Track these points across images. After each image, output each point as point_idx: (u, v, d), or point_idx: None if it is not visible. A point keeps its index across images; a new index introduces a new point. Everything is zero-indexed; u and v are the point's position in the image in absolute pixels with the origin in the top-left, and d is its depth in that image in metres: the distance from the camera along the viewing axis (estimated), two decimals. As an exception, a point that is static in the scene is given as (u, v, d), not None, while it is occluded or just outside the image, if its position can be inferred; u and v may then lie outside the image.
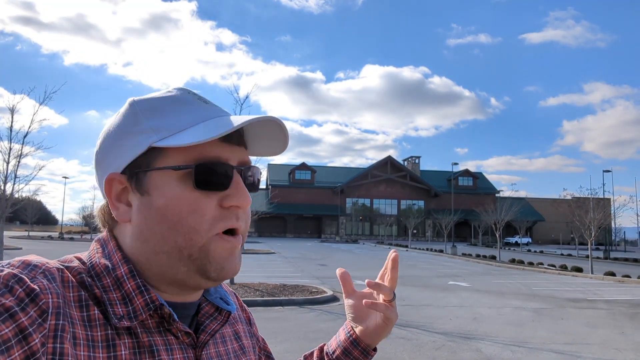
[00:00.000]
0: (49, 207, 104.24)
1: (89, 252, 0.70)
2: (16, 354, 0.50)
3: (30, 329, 0.52)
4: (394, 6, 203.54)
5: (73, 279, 0.62)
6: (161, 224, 0.65)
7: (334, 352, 0.95)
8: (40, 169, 13.24)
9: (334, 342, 0.96)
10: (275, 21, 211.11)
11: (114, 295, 0.63)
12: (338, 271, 0.97)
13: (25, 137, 12.18)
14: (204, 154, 0.65)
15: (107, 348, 0.59)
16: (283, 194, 69.36)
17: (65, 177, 57.07)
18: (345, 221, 72.09)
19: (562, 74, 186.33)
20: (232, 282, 12.94)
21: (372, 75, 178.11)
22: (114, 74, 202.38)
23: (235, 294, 0.90)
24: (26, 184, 13.04)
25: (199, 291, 0.73)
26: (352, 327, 0.94)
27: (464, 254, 35.10)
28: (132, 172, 0.66)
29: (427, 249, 43.03)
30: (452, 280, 17.52)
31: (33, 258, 0.61)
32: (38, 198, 59.06)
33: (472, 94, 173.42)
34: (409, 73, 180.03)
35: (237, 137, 0.69)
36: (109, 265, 0.66)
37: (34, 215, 48.26)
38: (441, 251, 39.38)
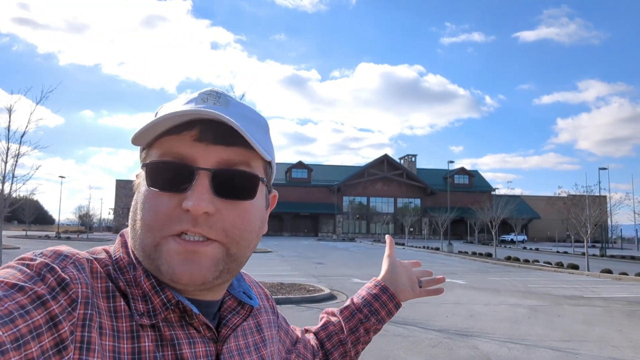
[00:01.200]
0: (46, 206, 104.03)
1: (114, 244, 0.71)
2: (46, 340, 0.51)
3: (61, 317, 0.53)
4: (388, 5, 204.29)
5: (101, 270, 0.63)
6: (133, 220, 0.66)
7: (371, 304, 1.08)
8: (37, 169, 13.20)
9: (368, 295, 1.10)
10: (270, 20, 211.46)
11: (136, 291, 0.64)
12: (388, 237, 1.23)
13: (22, 136, 12.12)
14: (170, 152, 0.64)
15: (131, 339, 0.60)
16: (279, 193, 68.15)
17: (62, 177, 56.99)
18: (342, 219, 72.19)
19: (556, 72, 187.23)
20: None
21: (367, 74, 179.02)
22: (108, 73, 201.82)
23: (258, 283, 0.93)
24: (23, 184, 12.99)
25: (217, 290, 0.71)
26: (385, 283, 1.11)
27: (460, 252, 35.16)
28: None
29: (424, 247, 43.11)
30: (448, 278, 17.47)
31: (64, 249, 0.62)
32: (35, 198, 58.95)
33: (467, 92, 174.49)
34: (404, 71, 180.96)
35: (216, 136, 0.63)
36: (131, 262, 0.67)
37: (31, 215, 48.17)
38: (437, 249, 39.48)
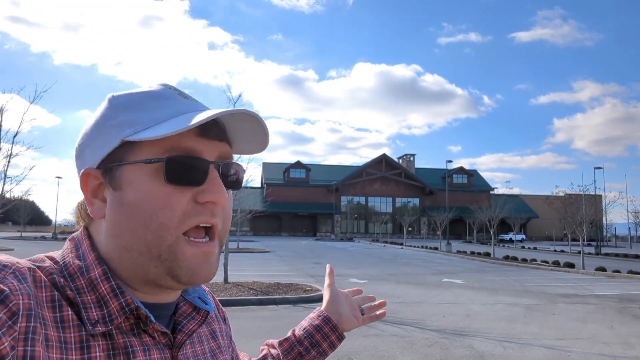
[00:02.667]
0: (43, 207, 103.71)
1: (62, 251, 0.68)
2: None
3: (0, 332, 0.50)
4: (385, 5, 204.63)
5: (45, 279, 0.60)
6: (132, 220, 0.63)
7: (312, 336, 1.04)
8: (31, 169, 13.14)
9: (310, 326, 1.06)
10: (266, 20, 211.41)
11: (89, 298, 0.61)
12: (328, 266, 1.17)
13: (15, 136, 12.00)
14: (178, 147, 0.63)
15: (80, 350, 0.57)
16: (278, 193, 69.35)
17: (59, 177, 56.67)
18: (340, 219, 72.21)
19: (552, 73, 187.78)
20: (225, 281, 12.97)
21: (364, 74, 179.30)
22: (105, 73, 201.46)
23: (211, 293, 0.88)
24: (17, 184, 12.93)
25: (176, 291, 0.71)
26: (328, 314, 1.07)
27: (458, 251, 35.20)
28: (107, 166, 0.65)
29: (422, 247, 43.15)
30: (446, 278, 17.61)
31: (2, 257, 0.58)
32: (30, 198, 58.73)
33: (465, 92, 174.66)
34: (401, 71, 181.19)
35: (216, 132, 0.66)
36: (83, 266, 0.64)
37: (26, 216, 47.95)
38: (436, 248, 39.53)
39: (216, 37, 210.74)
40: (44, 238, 46.23)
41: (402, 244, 46.21)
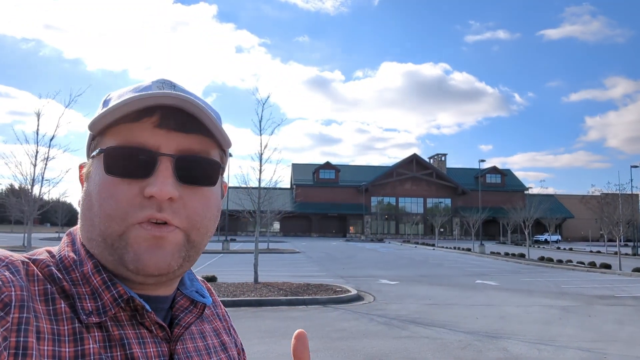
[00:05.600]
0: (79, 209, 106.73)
1: (59, 244, 0.69)
2: None
3: None
4: (409, 5, 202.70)
5: (39, 272, 0.60)
6: (89, 211, 0.63)
7: None
8: (67, 172, 13.53)
9: None
10: (292, 23, 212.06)
11: (83, 290, 0.62)
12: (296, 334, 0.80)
13: (51, 140, 12.40)
14: (129, 138, 0.62)
15: (74, 342, 0.57)
16: (307, 193, 69.58)
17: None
18: (370, 220, 71.90)
19: (583, 70, 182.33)
20: (255, 282, 13.09)
21: (391, 73, 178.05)
22: (135, 78, 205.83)
23: (211, 289, 0.87)
24: (54, 186, 13.34)
25: (171, 284, 0.69)
26: None
27: (492, 253, 34.61)
28: (88, 159, 0.67)
29: (455, 248, 42.57)
30: (479, 279, 17.34)
31: None
32: (67, 200, 60.39)
33: (495, 90, 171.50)
34: (429, 70, 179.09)
35: (177, 122, 0.63)
36: (77, 259, 0.65)
37: (63, 217, 49.34)
38: (469, 250, 38.92)
39: (243, 40, 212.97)
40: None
41: (433, 245, 45.72)
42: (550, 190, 79.96)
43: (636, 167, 46.29)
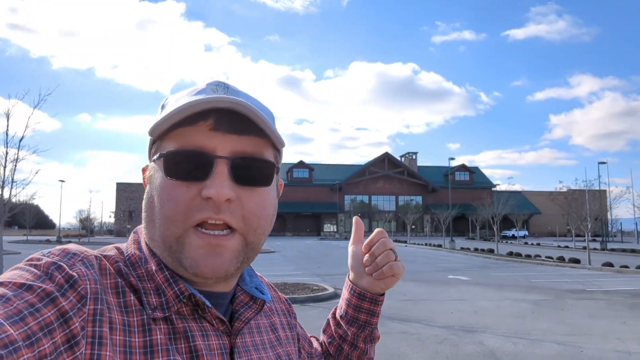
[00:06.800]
0: (46, 211, 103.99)
1: (127, 242, 0.73)
2: (58, 337, 0.52)
3: (71, 313, 0.54)
4: (378, 5, 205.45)
5: (110, 267, 0.65)
6: (150, 212, 0.67)
7: (346, 313, 0.96)
8: (36, 173, 13.17)
9: (342, 302, 0.98)
10: (262, 21, 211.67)
11: (148, 286, 0.66)
12: (355, 218, 1.00)
13: (20, 141, 12.12)
14: (187, 142, 0.65)
15: (142, 333, 0.61)
16: (281, 192, 69.42)
17: (62, 181, 56.73)
18: (344, 218, 72.19)
19: (548, 69, 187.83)
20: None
21: (361, 73, 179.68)
22: (103, 76, 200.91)
23: (272, 286, 0.91)
24: (23, 188, 12.97)
25: (230, 281, 0.73)
26: (351, 282, 0.95)
27: (462, 248, 35.23)
28: (150, 163, 0.71)
29: (426, 244, 43.13)
30: (451, 275, 17.59)
31: (72, 247, 0.64)
32: (35, 202, 58.77)
33: (462, 90, 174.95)
34: (398, 69, 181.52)
35: (230, 125, 0.65)
36: (142, 257, 0.69)
37: (32, 220, 48.08)
38: (440, 246, 39.48)
39: (213, 39, 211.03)
40: (48, 241, 46.40)
41: (405, 242, 46.23)
42: (517, 187, 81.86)
43: (604, 163, 47.72)
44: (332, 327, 1.00)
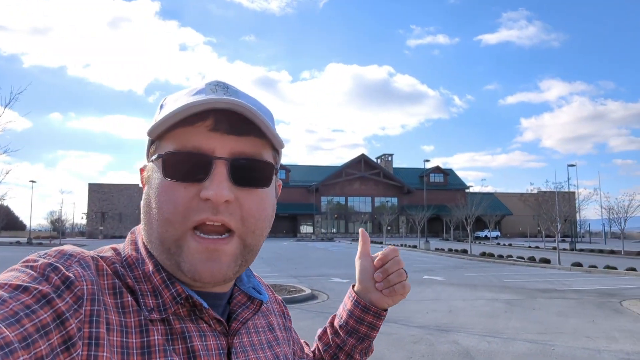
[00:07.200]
0: (16, 212, 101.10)
1: (124, 242, 0.73)
2: (54, 338, 0.52)
3: (67, 314, 0.54)
4: (354, 8, 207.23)
5: (107, 268, 0.64)
6: (149, 213, 0.66)
7: (347, 324, 0.97)
8: (7, 173, 12.86)
9: (343, 312, 0.99)
10: (238, 22, 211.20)
11: (145, 287, 0.65)
12: (361, 230, 1.01)
13: (-8, 140, 11.80)
14: (185, 143, 0.64)
15: (140, 334, 0.61)
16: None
17: (33, 181, 55.26)
18: (320, 220, 72.21)
19: (519, 73, 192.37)
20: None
21: (337, 75, 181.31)
22: (74, 75, 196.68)
23: (269, 287, 0.91)
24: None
25: (228, 282, 0.72)
26: (357, 294, 0.96)
27: (436, 249, 35.63)
28: (147, 164, 0.71)
29: (401, 245, 43.42)
30: (426, 275, 17.78)
31: (68, 248, 0.63)
32: (5, 203, 57.10)
33: (436, 92, 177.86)
34: (374, 72, 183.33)
35: (229, 126, 0.65)
36: (139, 258, 0.68)
37: (1, 221, 46.76)
38: (415, 246, 39.87)
39: (188, 38, 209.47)
40: (19, 243, 45.23)
41: (381, 243, 46.44)
42: (489, 189, 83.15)
43: (573, 165, 49.09)
44: (330, 335, 1.00)
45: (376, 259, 0.94)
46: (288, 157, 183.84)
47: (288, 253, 31.94)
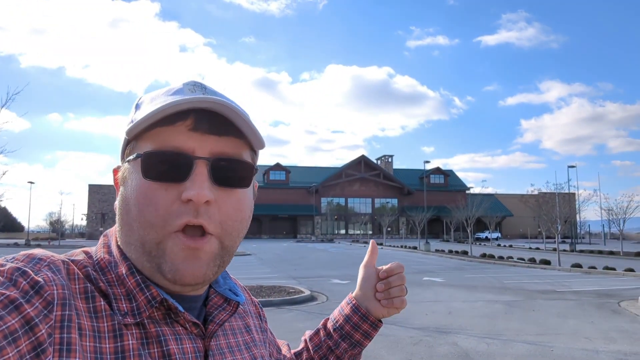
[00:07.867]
0: (15, 213, 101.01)
1: (96, 245, 0.71)
2: (23, 345, 0.50)
3: (37, 320, 0.52)
4: (353, 10, 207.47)
5: (79, 272, 0.62)
6: (127, 215, 0.64)
7: (342, 328, 0.98)
8: (3, 174, 12.83)
9: (339, 316, 1.00)
10: (238, 23, 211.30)
11: (119, 291, 0.64)
12: (372, 242, 1.03)
13: (-11, 142, 11.79)
14: (165, 143, 0.63)
15: (114, 338, 0.59)
16: (258, 195, 68.47)
17: (31, 182, 55.22)
18: (320, 221, 72.19)
19: (519, 74, 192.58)
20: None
21: (337, 76, 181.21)
22: (73, 76, 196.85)
23: (245, 288, 0.90)
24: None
25: (206, 284, 0.71)
26: (357, 301, 0.99)
27: (437, 250, 35.54)
28: (122, 164, 0.69)
29: (402, 246, 43.42)
30: (426, 276, 17.76)
31: (38, 252, 0.62)
32: (3, 204, 57.07)
33: (436, 94, 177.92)
34: (374, 73, 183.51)
35: (210, 126, 0.64)
36: (112, 261, 0.66)
37: (-1, 222, 46.75)
38: (415, 248, 39.79)
39: (188, 39, 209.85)
40: (16, 245, 45.14)
41: (381, 244, 46.40)
42: (490, 190, 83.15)
43: (573, 167, 49.03)
44: (322, 337, 1.01)
45: (382, 271, 0.97)
46: (287, 158, 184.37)
47: (288, 254, 31.93)
